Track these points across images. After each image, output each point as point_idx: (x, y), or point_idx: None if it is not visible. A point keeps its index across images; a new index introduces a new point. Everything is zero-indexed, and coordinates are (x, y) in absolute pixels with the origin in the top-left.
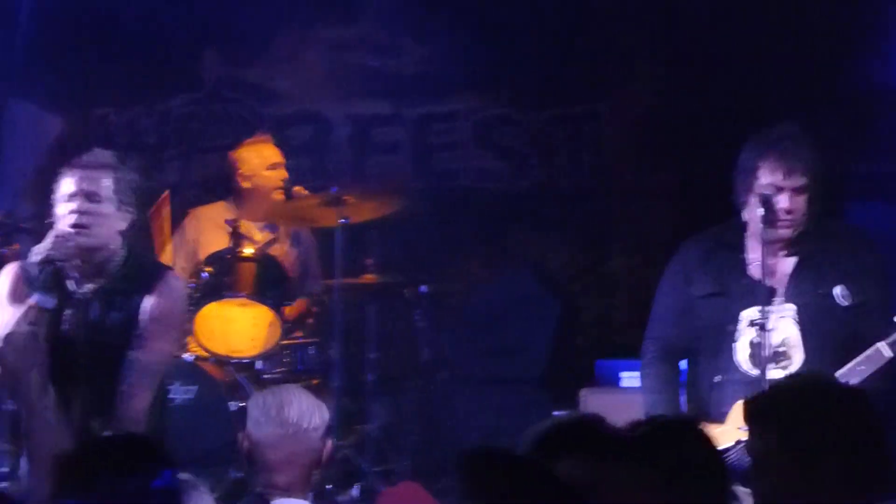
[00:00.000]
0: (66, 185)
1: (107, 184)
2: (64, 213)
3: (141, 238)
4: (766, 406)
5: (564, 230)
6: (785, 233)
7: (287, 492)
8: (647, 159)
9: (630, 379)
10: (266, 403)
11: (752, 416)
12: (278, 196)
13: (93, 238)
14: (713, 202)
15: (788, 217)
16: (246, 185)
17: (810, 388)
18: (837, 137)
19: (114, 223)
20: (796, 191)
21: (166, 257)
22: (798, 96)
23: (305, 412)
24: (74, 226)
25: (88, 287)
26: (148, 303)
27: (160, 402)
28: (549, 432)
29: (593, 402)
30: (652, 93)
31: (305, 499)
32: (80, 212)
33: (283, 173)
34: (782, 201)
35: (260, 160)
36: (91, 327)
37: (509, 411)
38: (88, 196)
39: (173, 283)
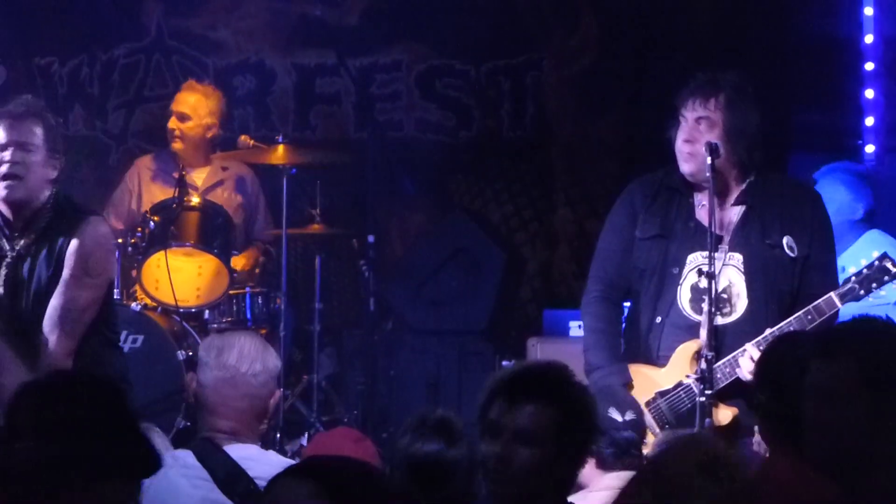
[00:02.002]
0: None
1: (38, 132)
2: None
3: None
4: (841, 338)
5: (508, 181)
6: (686, 171)
7: (234, 437)
8: (590, 110)
9: (578, 329)
10: (210, 346)
11: (824, 350)
12: (206, 141)
13: (26, 187)
14: (656, 152)
15: (685, 149)
16: (182, 128)
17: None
18: (780, 88)
19: (45, 172)
20: (697, 122)
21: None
22: (740, 47)
23: (245, 357)
24: (6, 176)
25: (21, 244)
26: (70, 248)
27: (108, 349)
28: (514, 378)
29: (542, 351)
30: (594, 43)
31: (255, 444)
32: (12, 161)
33: (208, 119)
34: (684, 131)
35: (188, 108)
36: (22, 284)
37: (454, 362)
38: (20, 146)
39: (96, 228)
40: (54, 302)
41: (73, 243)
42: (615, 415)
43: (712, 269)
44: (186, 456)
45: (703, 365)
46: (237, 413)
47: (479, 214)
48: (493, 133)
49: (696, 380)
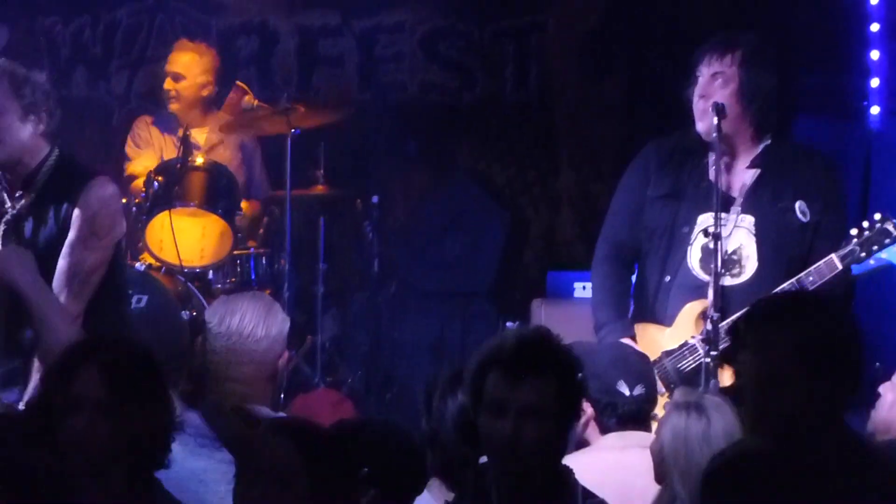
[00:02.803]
0: None
1: (5, 93)
2: None
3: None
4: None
5: (511, 143)
6: (699, 124)
7: (244, 399)
8: (594, 72)
9: (584, 290)
10: (215, 311)
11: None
12: (202, 100)
13: (5, 148)
14: (660, 115)
15: (700, 105)
16: (177, 88)
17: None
18: (784, 50)
19: (23, 129)
20: (713, 77)
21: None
22: (745, 8)
23: (248, 323)
24: None
25: (21, 203)
26: (76, 209)
27: (116, 311)
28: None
29: (546, 313)
30: (599, 4)
31: (265, 406)
32: None
33: (202, 77)
34: (700, 87)
35: (181, 68)
36: (26, 243)
37: (457, 323)
38: None
39: (103, 188)
40: (61, 263)
41: (80, 203)
42: (623, 388)
43: (718, 230)
44: (193, 417)
45: (709, 326)
46: (244, 377)
47: (482, 176)
48: (496, 95)
49: (702, 340)
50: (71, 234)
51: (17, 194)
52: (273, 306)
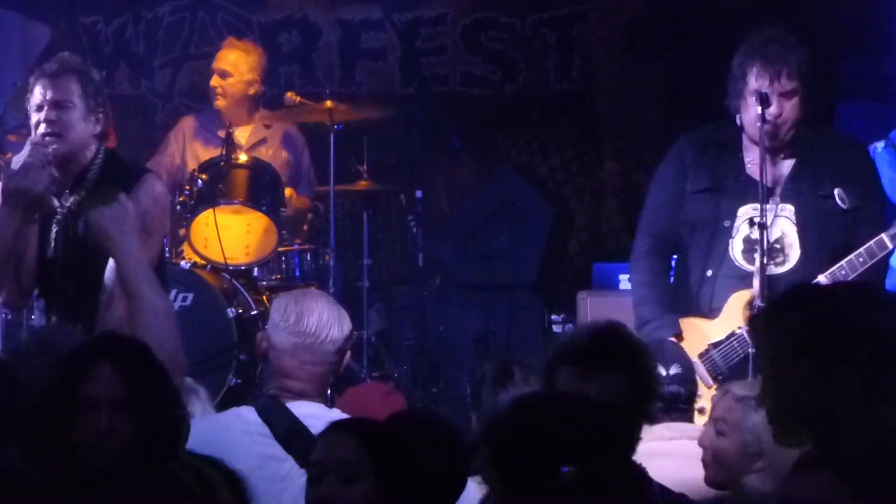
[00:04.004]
0: (35, 95)
1: (73, 88)
2: (36, 122)
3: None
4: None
5: (554, 134)
6: (776, 137)
7: (301, 396)
8: (636, 61)
9: (629, 282)
10: (287, 310)
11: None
12: (249, 98)
13: (66, 144)
14: (702, 103)
15: (778, 121)
16: (223, 85)
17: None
18: (825, 37)
19: (85, 128)
20: (784, 95)
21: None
22: None
23: (325, 324)
24: (46, 135)
25: (72, 200)
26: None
27: None
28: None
29: (592, 305)
30: None
31: (320, 403)
32: (48, 120)
33: (249, 76)
34: (772, 107)
35: (228, 66)
36: (76, 241)
37: (503, 316)
38: (56, 104)
39: (153, 185)
40: (113, 260)
41: (131, 200)
42: (660, 370)
43: (764, 220)
44: (249, 413)
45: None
46: (311, 376)
47: (525, 168)
48: (538, 86)
49: (748, 330)
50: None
51: (66, 192)
52: (339, 305)
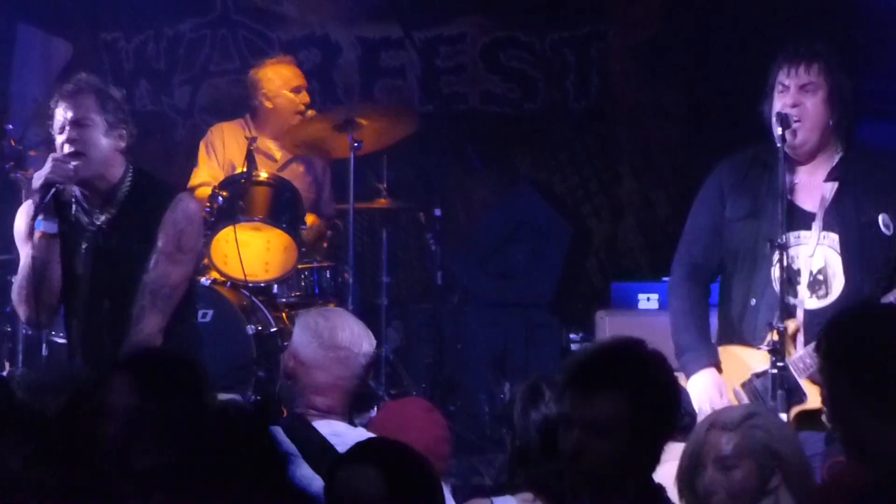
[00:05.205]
0: (57, 118)
1: (92, 107)
2: (59, 143)
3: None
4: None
5: (573, 152)
6: (796, 139)
7: (326, 414)
8: (654, 80)
9: (647, 301)
10: (318, 326)
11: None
12: (297, 119)
13: (90, 163)
14: (721, 122)
15: (794, 113)
16: (268, 104)
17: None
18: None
19: (107, 144)
20: (804, 88)
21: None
22: (807, 13)
23: (357, 337)
24: (69, 155)
25: (102, 218)
26: (163, 224)
27: (187, 325)
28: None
29: (609, 324)
30: (658, 13)
31: (344, 421)
32: (70, 139)
33: (305, 97)
34: (789, 97)
35: (282, 81)
36: (108, 258)
37: (520, 334)
38: (76, 123)
39: (187, 204)
40: (147, 278)
41: (166, 219)
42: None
43: (784, 241)
44: (276, 432)
45: (776, 337)
46: (341, 392)
47: (544, 186)
48: (557, 105)
49: (794, 360)
50: (157, 249)
51: (96, 210)
52: (361, 322)
